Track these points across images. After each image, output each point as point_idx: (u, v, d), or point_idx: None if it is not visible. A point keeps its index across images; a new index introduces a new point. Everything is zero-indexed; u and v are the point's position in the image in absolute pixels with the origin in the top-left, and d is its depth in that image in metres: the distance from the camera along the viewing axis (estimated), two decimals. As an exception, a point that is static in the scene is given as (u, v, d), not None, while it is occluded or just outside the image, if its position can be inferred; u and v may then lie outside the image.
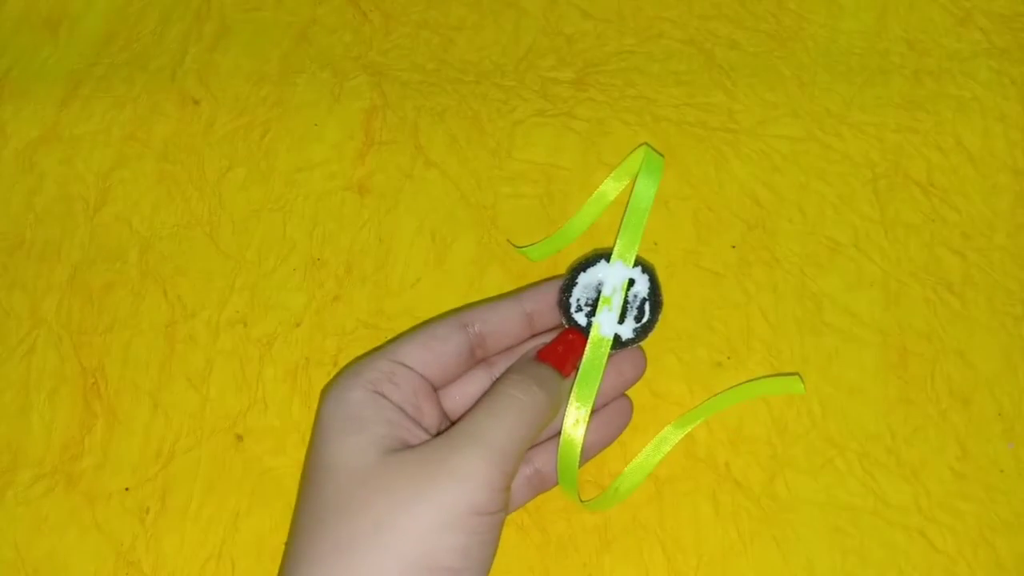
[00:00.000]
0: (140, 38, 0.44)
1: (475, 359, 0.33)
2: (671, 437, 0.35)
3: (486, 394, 0.30)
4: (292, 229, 0.40)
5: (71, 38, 0.44)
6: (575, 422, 0.31)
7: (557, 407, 0.31)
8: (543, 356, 0.32)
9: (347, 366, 0.32)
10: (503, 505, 0.28)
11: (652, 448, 0.35)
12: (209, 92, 0.43)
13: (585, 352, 0.32)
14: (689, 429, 0.35)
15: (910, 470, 0.34)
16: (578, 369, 0.32)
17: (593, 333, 0.32)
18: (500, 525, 0.28)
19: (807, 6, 0.43)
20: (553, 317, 0.33)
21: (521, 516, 0.34)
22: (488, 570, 0.28)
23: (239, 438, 0.36)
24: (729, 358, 0.36)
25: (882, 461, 0.34)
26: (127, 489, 0.35)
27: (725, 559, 0.33)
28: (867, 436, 0.35)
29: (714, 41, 0.42)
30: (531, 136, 0.41)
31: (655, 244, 0.38)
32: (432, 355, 0.31)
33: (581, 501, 0.33)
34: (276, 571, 0.33)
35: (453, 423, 0.30)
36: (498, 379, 0.31)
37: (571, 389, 0.31)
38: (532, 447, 0.33)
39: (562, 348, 0.32)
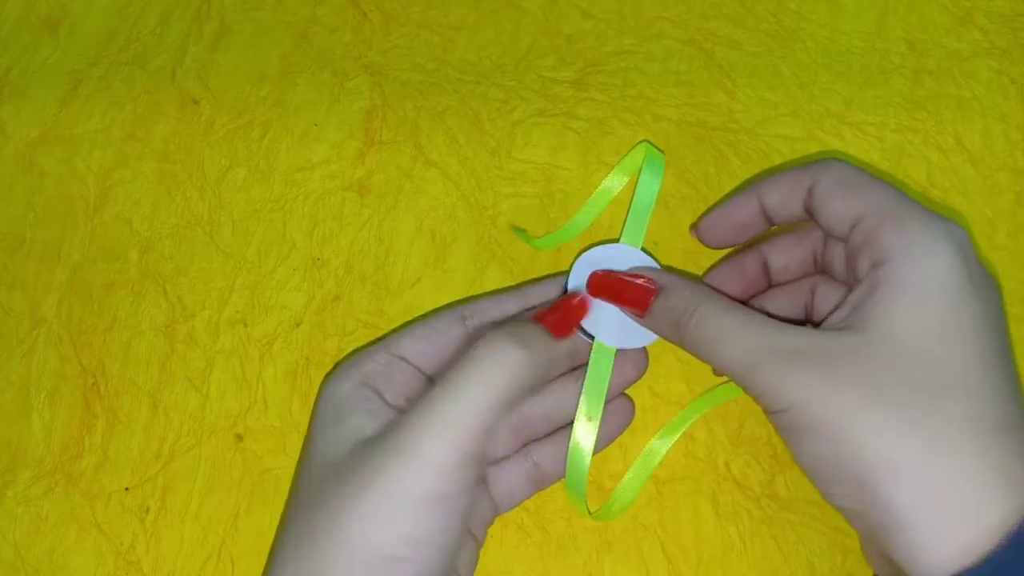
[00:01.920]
0: (140, 38, 0.44)
1: None
2: (659, 449, 0.34)
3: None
4: (292, 229, 0.40)
5: (71, 38, 0.44)
6: (585, 432, 0.31)
7: (546, 368, 0.29)
8: (536, 317, 0.30)
9: (347, 356, 0.31)
10: (464, 487, 0.26)
11: (640, 462, 0.34)
12: (209, 92, 0.43)
13: (590, 359, 0.32)
14: (676, 436, 0.34)
15: (910, 470, 0.34)
16: (585, 370, 0.31)
17: (597, 342, 0.32)
18: (462, 510, 0.26)
19: (807, 6, 0.43)
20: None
21: (521, 516, 0.34)
22: (451, 554, 0.26)
23: (239, 438, 0.36)
24: (729, 358, 0.36)
25: (882, 461, 0.34)
26: (127, 489, 0.35)
27: (725, 559, 0.33)
28: (867, 436, 0.35)
29: (714, 41, 0.42)
30: (531, 136, 0.41)
31: (655, 244, 0.38)
32: (430, 347, 0.31)
33: (588, 513, 0.33)
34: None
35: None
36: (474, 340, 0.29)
37: (567, 355, 0.31)
38: (534, 441, 0.32)
39: (561, 311, 0.31)
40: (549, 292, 0.33)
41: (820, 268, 0.32)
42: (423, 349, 0.31)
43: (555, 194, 0.39)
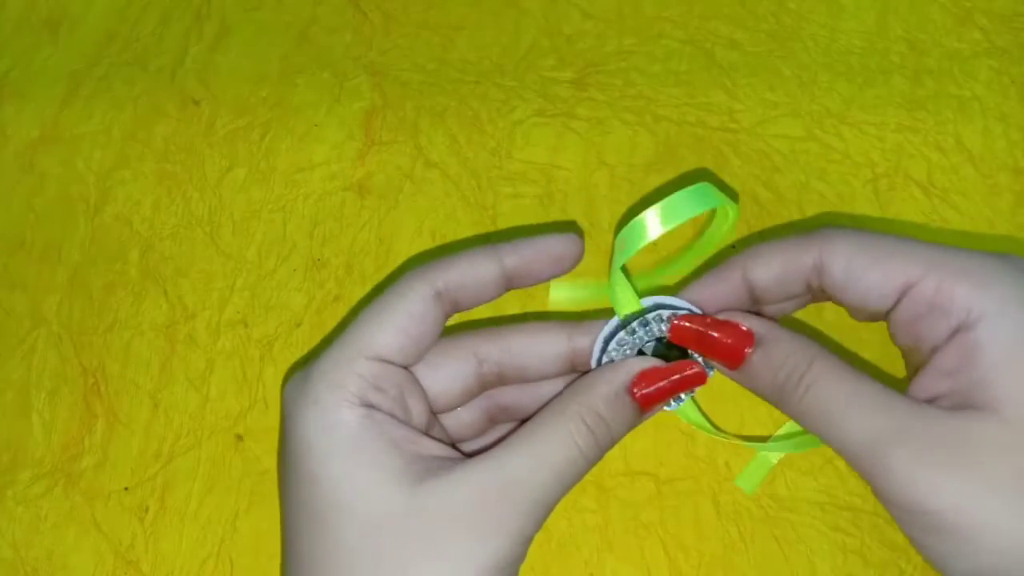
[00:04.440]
0: (140, 38, 0.44)
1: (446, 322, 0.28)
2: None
3: (539, 423, 0.25)
4: (292, 229, 0.40)
5: (71, 38, 0.44)
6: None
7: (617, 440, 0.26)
8: (635, 389, 0.26)
9: (314, 367, 0.26)
10: (524, 554, 0.25)
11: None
12: (209, 92, 0.43)
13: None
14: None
15: (911, 470, 0.34)
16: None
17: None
18: (521, 562, 0.25)
19: (807, 6, 0.43)
20: (532, 279, 0.28)
21: (521, 516, 0.34)
22: None
23: (239, 438, 0.36)
24: (729, 358, 0.36)
25: (883, 461, 0.34)
26: (126, 489, 0.35)
27: (726, 558, 0.33)
28: (867, 436, 0.35)
29: (714, 41, 0.42)
30: (531, 136, 0.41)
31: (654, 245, 0.38)
32: (411, 340, 0.26)
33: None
34: (275, 570, 0.33)
35: (460, 451, 0.27)
36: (560, 408, 0.26)
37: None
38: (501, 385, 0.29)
39: (670, 387, 0.27)
40: (526, 252, 0.28)
41: (818, 291, 0.28)
42: (403, 344, 0.26)
43: (555, 194, 0.39)
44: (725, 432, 0.30)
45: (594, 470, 0.34)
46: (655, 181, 0.39)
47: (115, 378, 0.37)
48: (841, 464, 0.34)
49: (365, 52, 0.43)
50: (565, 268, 0.28)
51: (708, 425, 0.29)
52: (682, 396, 0.28)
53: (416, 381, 0.28)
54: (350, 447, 0.24)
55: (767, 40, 0.42)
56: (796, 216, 0.38)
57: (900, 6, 0.43)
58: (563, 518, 0.34)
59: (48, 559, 0.35)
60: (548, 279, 0.28)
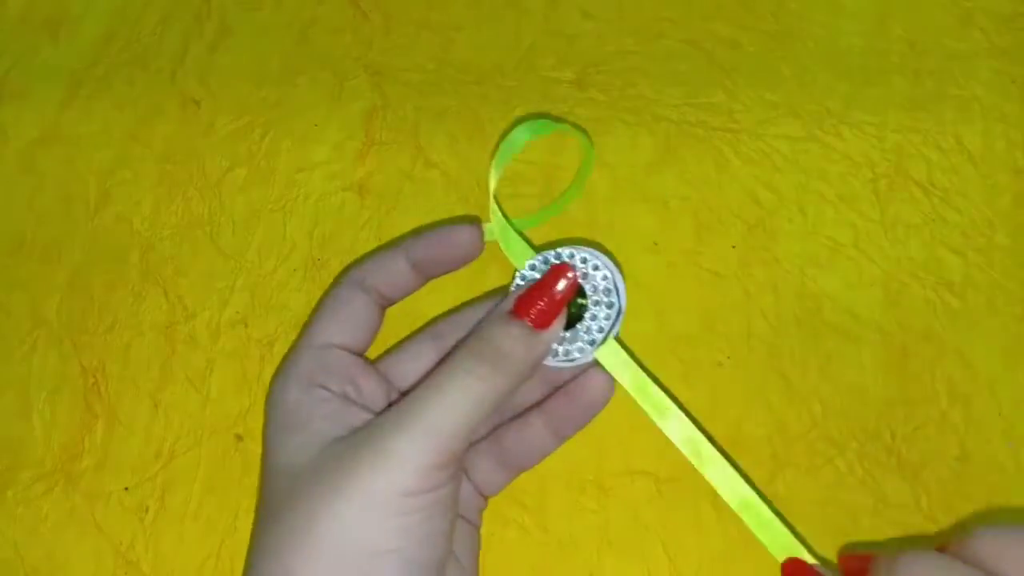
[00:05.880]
0: (140, 38, 0.44)
1: (383, 311, 0.32)
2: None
3: (438, 364, 0.28)
4: (292, 229, 0.40)
5: (71, 38, 0.45)
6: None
7: (529, 370, 0.28)
8: (520, 309, 0.28)
9: (280, 364, 0.30)
10: (444, 481, 0.26)
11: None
12: (209, 92, 0.43)
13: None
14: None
15: (910, 470, 0.34)
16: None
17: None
18: (446, 499, 0.27)
19: (807, 6, 0.43)
20: (440, 267, 0.31)
21: (522, 515, 0.34)
22: (441, 541, 0.27)
23: (239, 438, 0.36)
24: (729, 358, 0.36)
25: (882, 461, 0.34)
26: (127, 489, 0.35)
27: (727, 558, 0.33)
28: (867, 436, 0.35)
29: (714, 41, 0.42)
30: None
31: (655, 244, 0.38)
32: (346, 322, 0.30)
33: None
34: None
35: (403, 394, 0.29)
36: (456, 344, 0.29)
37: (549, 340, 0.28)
38: (502, 426, 0.31)
39: (545, 300, 0.29)
40: (429, 244, 0.31)
41: None
42: (341, 327, 0.30)
43: (555, 194, 0.39)
44: (651, 373, 0.29)
45: (594, 470, 0.35)
46: (655, 181, 0.39)
47: (115, 378, 0.37)
48: (841, 464, 0.34)
49: (365, 52, 0.43)
50: (469, 256, 0.31)
51: (638, 368, 0.29)
52: (592, 341, 0.29)
53: (370, 367, 0.31)
54: (289, 419, 0.28)
55: (767, 40, 0.42)
56: (796, 216, 0.38)
57: (900, 6, 0.43)
58: (563, 518, 0.34)
59: (48, 559, 0.35)
60: (457, 268, 0.31)
